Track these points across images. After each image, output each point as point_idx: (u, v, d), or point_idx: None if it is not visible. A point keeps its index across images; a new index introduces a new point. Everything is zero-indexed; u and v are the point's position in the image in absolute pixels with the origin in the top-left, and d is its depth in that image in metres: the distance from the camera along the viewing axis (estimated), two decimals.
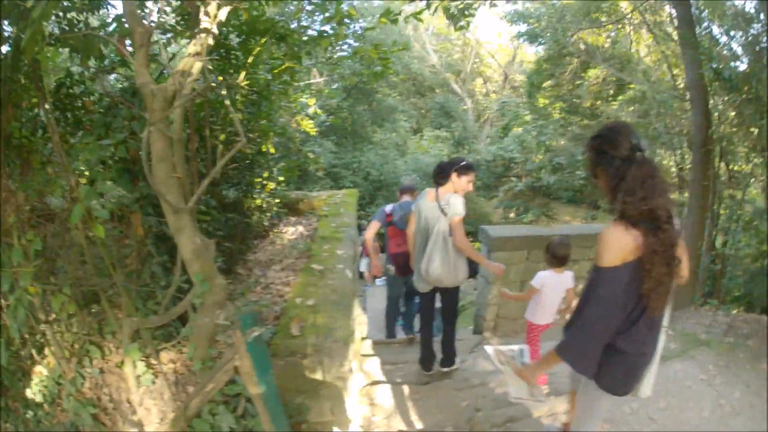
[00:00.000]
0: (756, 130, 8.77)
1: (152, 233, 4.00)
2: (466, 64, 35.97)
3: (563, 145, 18.98)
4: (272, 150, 6.39)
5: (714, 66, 7.17)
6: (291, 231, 8.58)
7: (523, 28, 19.78)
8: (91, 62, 4.19)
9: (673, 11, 12.83)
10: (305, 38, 5.50)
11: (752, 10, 8.08)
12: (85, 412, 3.48)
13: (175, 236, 3.30)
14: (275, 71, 5.74)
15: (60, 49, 4.40)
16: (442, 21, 36.34)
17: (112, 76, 5.20)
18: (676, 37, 14.88)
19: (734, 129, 9.38)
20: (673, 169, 18.47)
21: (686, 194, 14.96)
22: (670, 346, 6.44)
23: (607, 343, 2.56)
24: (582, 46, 17.63)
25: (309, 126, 8.71)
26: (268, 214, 7.75)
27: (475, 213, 22.81)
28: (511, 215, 21.91)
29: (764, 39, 7.54)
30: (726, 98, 8.39)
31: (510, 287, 7.27)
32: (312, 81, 8.20)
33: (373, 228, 7.13)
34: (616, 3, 15.76)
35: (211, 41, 3.54)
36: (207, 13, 3.54)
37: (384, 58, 5.73)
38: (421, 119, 32.24)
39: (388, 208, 7.31)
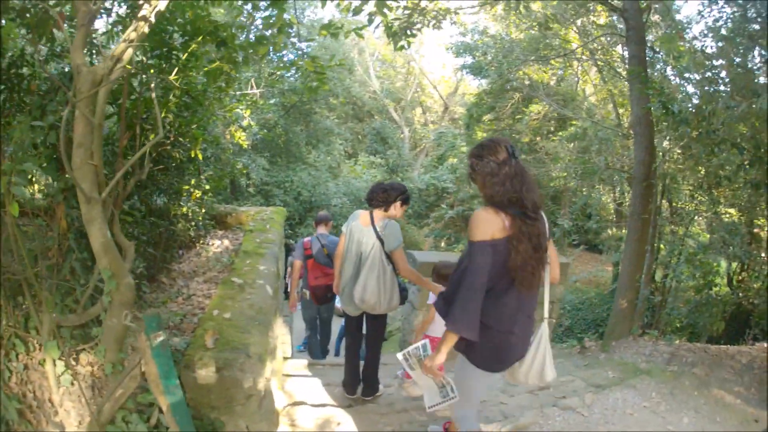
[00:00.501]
0: (702, 169, 8.99)
1: (75, 227, 3.80)
2: (408, 92, 36.18)
3: None
4: (200, 156, 6.12)
5: (663, 101, 7.26)
6: (217, 244, 8.38)
7: (468, 60, 19.94)
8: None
9: (625, 51, 13.28)
10: (241, 42, 5.26)
11: (712, 50, 8.26)
12: (11, 406, 3.27)
13: (87, 227, 3.14)
14: (209, 72, 5.49)
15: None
16: (387, 48, 36.65)
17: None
18: (625, 75, 15.41)
19: (680, 166, 9.54)
20: (611, 205, 18.92)
21: (624, 230, 15.44)
22: (607, 375, 6.48)
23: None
24: (526, 82, 17.83)
25: (241, 138, 8.49)
26: (193, 224, 7.47)
27: (405, 241, 22.73)
28: (442, 244, 21.94)
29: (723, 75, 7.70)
30: (674, 134, 8.50)
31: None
32: (248, 92, 7.91)
33: (296, 267, 7.51)
34: (566, 42, 16.04)
35: (146, 29, 3.38)
36: (148, 1, 3.38)
37: (320, 72, 5.55)
38: (357, 144, 32.20)
39: (306, 240, 7.59)
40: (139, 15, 3.35)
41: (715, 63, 7.96)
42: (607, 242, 17.70)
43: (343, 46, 23.72)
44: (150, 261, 6.25)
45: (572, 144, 17.12)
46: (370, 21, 6.23)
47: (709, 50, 8.33)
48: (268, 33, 5.26)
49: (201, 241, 8.36)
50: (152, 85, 4.55)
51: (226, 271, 6.34)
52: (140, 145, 5.32)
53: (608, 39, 14.90)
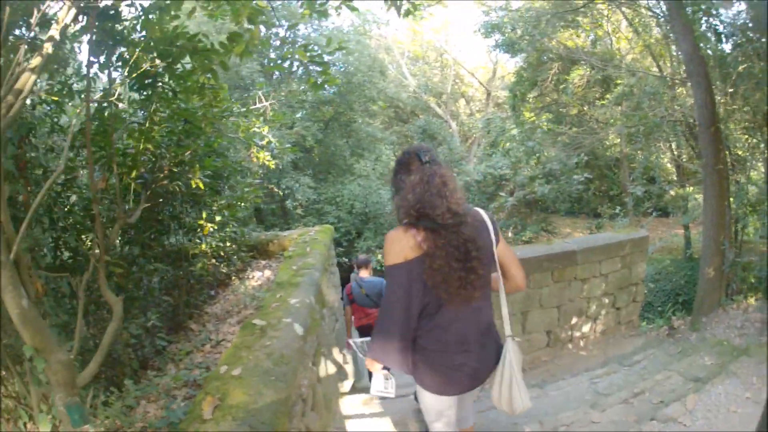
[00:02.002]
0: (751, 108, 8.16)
1: None
2: (447, 85, 35.29)
3: (554, 156, 17.93)
4: (201, 186, 5.36)
5: (711, 23, 6.39)
6: (257, 276, 7.81)
7: (499, 38, 19.00)
8: None
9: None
10: (207, 45, 4.45)
11: None
12: None
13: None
14: (186, 90, 4.74)
15: None
16: (415, 43, 35.92)
17: None
18: (655, 27, 14.59)
19: (728, 108, 8.54)
20: (669, 165, 17.73)
21: (689, 188, 14.34)
22: (704, 362, 5.63)
23: (411, 339, 2.79)
24: (561, 50, 16.92)
25: (266, 158, 7.74)
26: (214, 261, 6.78)
27: None
28: (509, 234, 20.85)
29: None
30: (721, 72, 7.53)
31: (511, 321, 6.34)
32: (257, 106, 7.19)
33: (348, 313, 7.83)
34: (591, 5, 15.31)
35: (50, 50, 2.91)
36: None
37: (319, 62, 4.70)
38: (407, 145, 31.35)
39: (347, 286, 7.83)
40: (47, 35, 2.95)
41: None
42: (671, 203, 16.59)
43: (368, 49, 22.86)
44: (169, 309, 5.88)
45: (621, 107, 16.19)
46: None
47: None
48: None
49: (240, 275, 7.80)
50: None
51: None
52: (122, 188, 4.69)
53: None
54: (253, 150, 7.64)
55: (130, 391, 3.96)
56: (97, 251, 3.64)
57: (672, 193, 15.42)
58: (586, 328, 7.05)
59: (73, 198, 4.68)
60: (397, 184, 2.96)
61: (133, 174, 4.77)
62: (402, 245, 2.68)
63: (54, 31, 2.97)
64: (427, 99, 32.94)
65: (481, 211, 2.94)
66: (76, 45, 4.49)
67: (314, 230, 8.60)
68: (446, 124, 31.82)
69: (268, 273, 7.78)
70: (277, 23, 4.59)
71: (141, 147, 4.70)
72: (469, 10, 49.22)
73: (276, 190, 10.50)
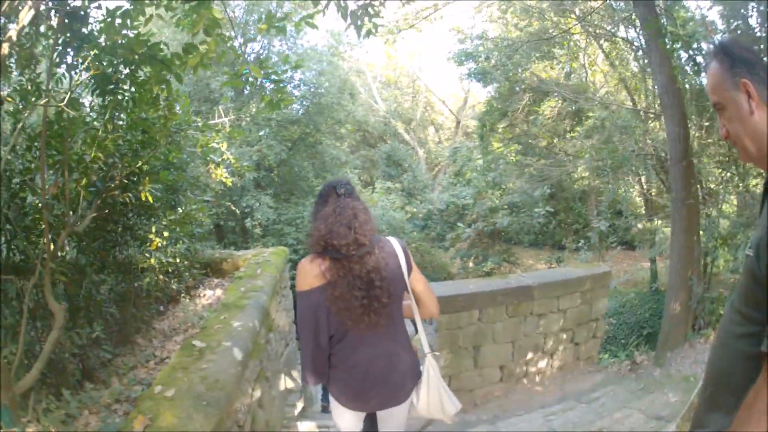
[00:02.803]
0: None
1: None
2: (417, 112, 35.46)
3: (517, 187, 18.01)
4: (150, 199, 5.23)
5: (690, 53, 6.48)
6: (208, 295, 7.65)
7: (472, 66, 19.13)
8: None
9: (629, 31, 13.08)
10: (165, 54, 4.34)
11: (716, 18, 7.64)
12: None
13: None
14: (140, 99, 4.63)
15: None
16: (388, 67, 36.08)
17: None
18: (632, 62, 14.94)
19: (708, 142, 8.68)
20: (638, 198, 17.94)
21: (657, 221, 14.49)
22: (668, 399, 5.57)
23: (326, 358, 2.94)
24: (535, 81, 17.12)
25: (222, 175, 7.60)
26: (164, 276, 6.63)
27: (431, 265, 21.86)
28: (470, 264, 20.72)
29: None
30: (697, 105, 7.64)
31: (461, 355, 6.31)
32: (214, 121, 7.04)
33: None
34: (565, 32, 15.47)
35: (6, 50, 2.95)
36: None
37: (275, 80, 4.62)
38: (373, 170, 31.41)
39: None
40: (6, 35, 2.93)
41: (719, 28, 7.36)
42: (638, 237, 16.56)
43: (339, 71, 22.77)
44: (116, 321, 5.70)
45: (591, 140, 16.29)
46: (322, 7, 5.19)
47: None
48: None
49: (192, 293, 7.64)
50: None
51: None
52: (73, 195, 4.56)
53: (609, 21, 14.31)
54: (210, 166, 7.50)
55: (69, 401, 3.91)
56: (44, 257, 3.57)
57: (639, 226, 15.56)
58: (542, 364, 6.97)
59: (29, 199, 4.52)
60: (314, 215, 3.03)
61: (84, 182, 4.63)
62: (308, 274, 2.82)
63: (12, 32, 3.02)
64: (396, 124, 33.08)
65: (394, 241, 3.05)
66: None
67: (268, 252, 8.47)
68: (413, 151, 31.94)
69: (219, 292, 7.63)
70: (235, 36, 4.46)
71: (92, 155, 4.56)
72: (445, 38, 49.75)
73: (233, 208, 10.28)
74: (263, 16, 4.36)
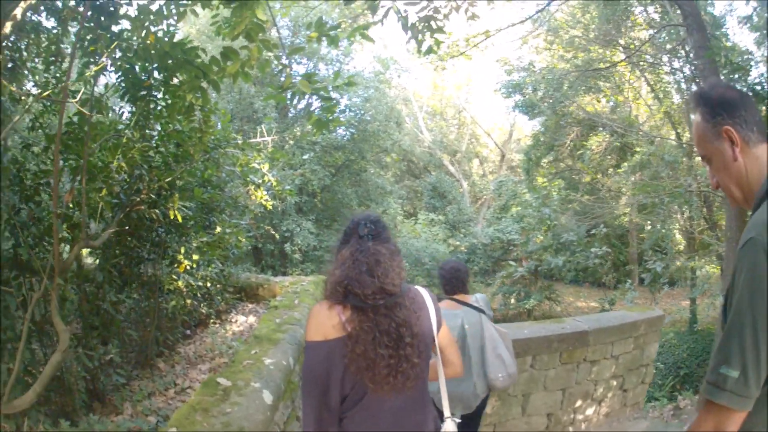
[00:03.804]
0: None
1: None
2: (462, 143, 35.18)
3: (564, 224, 17.49)
4: (179, 218, 4.84)
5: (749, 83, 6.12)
6: (240, 321, 7.32)
7: (519, 99, 18.92)
8: None
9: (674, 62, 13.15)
10: (201, 60, 3.96)
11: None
12: None
13: None
14: (171, 108, 4.27)
15: None
16: (435, 98, 36.02)
17: None
18: (675, 94, 14.60)
19: None
20: (679, 235, 17.37)
21: (699, 260, 13.92)
22: None
23: (336, 422, 2.41)
24: (581, 114, 16.83)
25: (263, 198, 7.25)
26: (190, 300, 6.27)
27: None
28: (512, 301, 20.27)
29: None
30: None
31: (509, 402, 5.88)
32: (256, 140, 6.70)
33: None
34: (612, 64, 15.26)
35: None
36: None
37: (324, 97, 4.18)
38: (417, 201, 31.09)
39: None
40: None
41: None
42: (677, 275, 15.80)
43: (386, 98, 22.43)
44: (134, 343, 5.48)
45: (634, 176, 16.01)
46: (378, 16, 4.75)
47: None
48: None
49: (222, 317, 7.31)
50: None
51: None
52: (93, 204, 4.21)
53: (657, 51, 14.14)
54: (250, 187, 7.17)
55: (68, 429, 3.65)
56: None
57: (678, 263, 14.93)
58: (590, 411, 6.52)
59: (44, 204, 4.17)
60: (335, 255, 2.56)
61: (104, 192, 4.26)
62: (323, 322, 2.36)
63: (18, 10, 2.79)
64: (441, 156, 32.78)
65: (424, 292, 2.64)
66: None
67: (307, 280, 8.15)
68: (458, 183, 31.61)
69: (252, 319, 7.32)
70: (281, 45, 4.04)
71: (115, 164, 4.20)
72: (492, 69, 49.85)
73: (272, 231, 9.94)
74: (313, 24, 3.96)
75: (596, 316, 7.57)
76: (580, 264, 16.90)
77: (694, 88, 12.28)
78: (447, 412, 2.79)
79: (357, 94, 20.41)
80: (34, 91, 4.19)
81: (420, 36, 4.53)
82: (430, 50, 4.62)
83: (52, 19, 4.48)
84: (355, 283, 2.33)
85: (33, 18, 4.12)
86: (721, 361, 1.61)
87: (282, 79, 4.41)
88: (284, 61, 4.11)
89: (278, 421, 4.19)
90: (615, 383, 6.62)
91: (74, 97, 4.03)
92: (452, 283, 4.28)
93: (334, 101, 4.44)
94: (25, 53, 4.58)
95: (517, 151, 32.96)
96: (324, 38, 3.97)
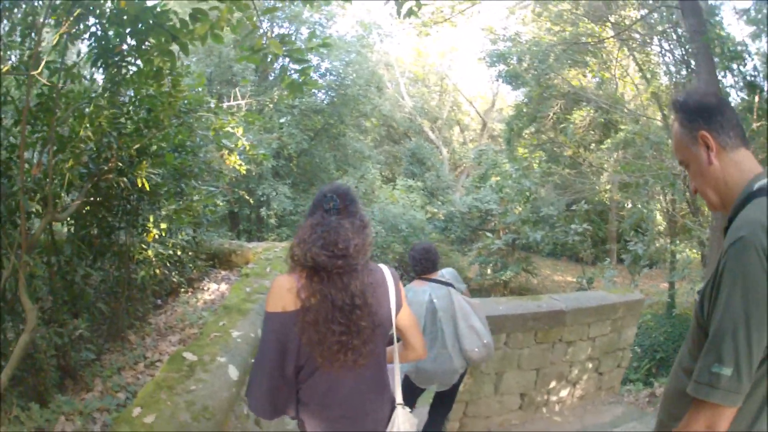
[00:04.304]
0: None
1: None
2: (443, 110, 34.98)
3: (544, 197, 17.46)
4: (146, 185, 4.69)
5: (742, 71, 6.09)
6: (212, 289, 7.23)
7: (503, 69, 18.90)
8: None
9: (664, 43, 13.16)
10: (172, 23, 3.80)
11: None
12: None
13: None
14: (140, 73, 4.11)
15: None
16: (417, 64, 35.71)
17: None
18: (664, 78, 14.51)
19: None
20: (659, 217, 17.43)
21: (678, 243, 13.95)
22: None
23: (293, 393, 2.43)
24: (566, 88, 16.78)
25: (236, 162, 7.10)
26: (161, 269, 6.15)
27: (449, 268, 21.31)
28: (488, 272, 20.36)
29: None
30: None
31: (482, 380, 5.78)
32: (230, 104, 6.53)
33: None
34: (599, 41, 15.26)
35: None
36: None
37: (300, 59, 4.04)
38: (396, 167, 30.96)
39: None
40: None
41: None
42: (656, 256, 15.94)
43: (367, 63, 22.09)
44: (106, 316, 5.34)
45: (617, 153, 16.21)
46: None
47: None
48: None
49: (194, 285, 7.21)
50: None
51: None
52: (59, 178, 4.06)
53: (648, 31, 14.09)
54: (224, 152, 7.00)
55: (39, 412, 3.61)
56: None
57: (657, 245, 14.98)
58: (564, 393, 6.48)
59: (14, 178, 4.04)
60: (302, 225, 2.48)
61: (70, 163, 4.11)
62: (280, 293, 2.33)
63: None
64: (422, 122, 32.62)
65: (386, 270, 2.57)
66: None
67: (281, 246, 8.01)
68: (437, 150, 31.47)
69: (224, 287, 7.24)
70: (254, 7, 3.87)
71: (80, 132, 4.04)
72: (476, 38, 49.37)
73: (246, 197, 9.78)
74: None
75: (574, 295, 7.53)
76: (559, 240, 16.85)
77: (684, 72, 12.26)
78: (398, 399, 2.63)
79: (338, 58, 20.20)
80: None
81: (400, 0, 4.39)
82: (410, 12, 4.48)
83: None
84: (308, 256, 2.27)
85: None
86: (713, 361, 1.63)
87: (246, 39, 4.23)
88: (258, 22, 3.91)
89: (244, 396, 4.13)
90: (591, 366, 6.58)
91: (49, 68, 3.89)
92: (422, 263, 4.34)
93: (308, 64, 4.31)
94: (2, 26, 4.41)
95: (499, 121, 32.75)
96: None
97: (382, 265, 2.58)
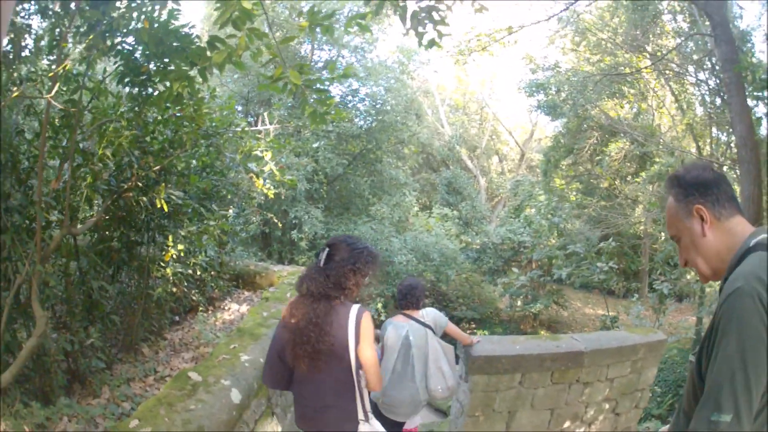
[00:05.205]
0: None
1: None
2: (482, 140, 34.85)
3: (577, 229, 17.22)
4: (165, 207, 4.74)
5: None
6: (233, 309, 7.24)
7: (542, 98, 18.97)
8: None
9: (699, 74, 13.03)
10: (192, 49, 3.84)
11: None
12: None
13: None
14: (159, 97, 4.17)
15: None
16: (458, 92, 35.75)
17: None
18: (698, 107, 14.37)
19: None
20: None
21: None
22: None
23: (287, 377, 3.34)
24: (603, 119, 16.65)
25: (263, 186, 7.15)
26: (178, 288, 6.19)
27: (480, 298, 21.14)
28: (518, 303, 20.10)
29: None
30: None
31: (494, 419, 5.70)
32: (256, 128, 6.59)
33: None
34: (637, 72, 15.02)
35: None
36: None
37: (318, 90, 4.05)
38: (434, 194, 30.82)
39: None
40: None
41: None
42: (685, 288, 15.76)
43: (407, 89, 21.93)
44: (121, 327, 5.43)
45: (651, 186, 16.08)
46: (378, 8, 4.53)
47: None
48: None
49: (215, 304, 7.26)
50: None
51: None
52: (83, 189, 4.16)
53: (683, 61, 14.09)
54: (251, 175, 7.07)
55: (41, 411, 3.66)
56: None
57: (688, 277, 14.63)
58: None
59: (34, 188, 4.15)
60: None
61: (88, 180, 4.19)
62: (287, 307, 3.29)
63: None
64: (461, 150, 32.46)
65: (355, 311, 3.18)
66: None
67: None
68: (475, 180, 31.30)
69: (245, 308, 7.28)
70: (272, 36, 3.88)
71: (100, 151, 4.13)
72: (517, 67, 49.22)
73: (275, 219, 9.82)
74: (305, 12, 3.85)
75: (595, 335, 7.34)
76: (584, 277, 16.50)
77: (718, 101, 12.08)
78: (360, 415, 3.28)
79: (378, 83, 20.17)
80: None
81: (421, 27, 4.35)
82: (432, 43, 4.44)
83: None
84: (297, 287, 3.27)
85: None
86: (711, 410, 1.62)
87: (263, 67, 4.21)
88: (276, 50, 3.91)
89: (248, 419, 4.14)
90: (607, 406, 6.39)
91: (76, 82, 4.00)
92: (406, 299, 4.88)
93: (328, 94, 4.31)
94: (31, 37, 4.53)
95: (537, 151, 32.69)
96: (317, 27, 3.86)
97: (355, 306, 3.20)
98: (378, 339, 4.70)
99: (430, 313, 4.96)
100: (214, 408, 3.55)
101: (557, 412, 6.00)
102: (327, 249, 3.28)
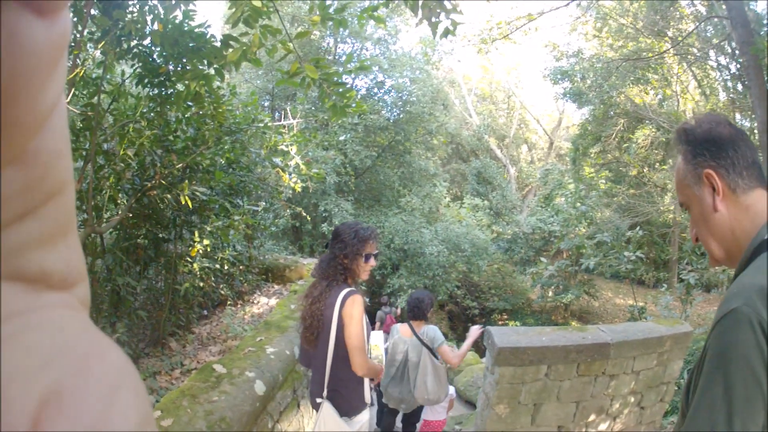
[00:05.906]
0: None
1: None
2: (511, 129, 34.59)
3: (606, 217, 17.03)
4: (189, 203, 4.79)
5: None
6: (261, 303, 7.29)
7: (567, 86, 18.88)
8: None
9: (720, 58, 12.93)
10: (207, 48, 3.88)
11: None
12: None
13: None
14: (178, 95, 4.21)
15: None
16: (484, 81, 35.51)
17: None
18: (722, 93, 14.26)
19: None
20: None
21: None
22: None
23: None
24: (629, 106, 16.56)
25: (289, 180, 7.17)
26: (205, 283, 6.24)
27: (512, 289, 21.04)
28: (549, 294, 19.94)
29: None
30: None
31: (519, 411, 5.67)
32: (281, 123, 6.61)
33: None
34: (659, 56, 14.85)
35: None
36: None
37: (335, 83, 4.06)
38: (465, 184, 30.66)
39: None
40: None
41: None
42: (714, 279, 15.30)
43: (432, 80, 21.64)
44: (148, 322, 5.56)
45: None
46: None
47: None
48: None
49: (244, 298, 7.32)
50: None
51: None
52: (106, 189, 4.23)
53: (703, 45, 13.95)
54: (277, 169, 7.10)
55: None
56: None
57: (714, 268, 14.33)
58: (603, 426, 6.21)
59: None
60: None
61: (111, 179, 4.27)
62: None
63: None
64: (489, 140, 32.27)
65: (341, 295, 3.36)
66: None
67: None
68: (504, 169, 31.05)
69: (273, 301, 7.30)
70: (286, 31, 3.90)
71: (122, 151, 4.20)
72: (541, 54, 48.90)
73: (303, 213, 9.84)
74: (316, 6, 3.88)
75: (622, 326, 7.24)
76: (612, 267, 16.25)
77: (740, 86, 11.85)
78: (324, 392, 3.46)
79: (402, 75, 20.10)
80: None
81: (434, 18, 4.33)
82: (447, 32, 4.41)
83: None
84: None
85: None
86: None
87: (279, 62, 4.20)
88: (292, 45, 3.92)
89: (272, 411, 4.19)
90: (633, 399, 6.31)
91: (95, 86, 4.07)
92: (414, 311, 5.40)
93: (349, 87, 4.32)
94: None
95: (565, 139, 32.47)
96: (330, 21, 3.88)
97: (345, 289, 3.37)
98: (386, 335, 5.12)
99: (429, 332, 5.42)
100: (237, 399, 3.59)
101: (583, 405, 5.95)
102: (333, 235, 3.51)
